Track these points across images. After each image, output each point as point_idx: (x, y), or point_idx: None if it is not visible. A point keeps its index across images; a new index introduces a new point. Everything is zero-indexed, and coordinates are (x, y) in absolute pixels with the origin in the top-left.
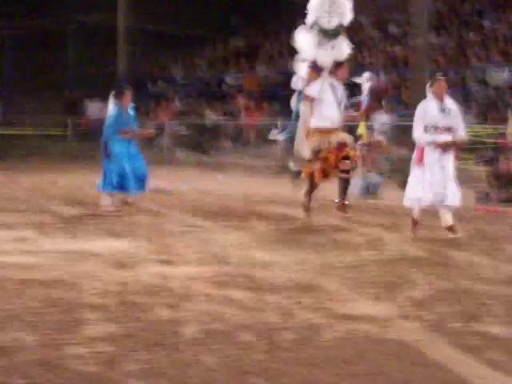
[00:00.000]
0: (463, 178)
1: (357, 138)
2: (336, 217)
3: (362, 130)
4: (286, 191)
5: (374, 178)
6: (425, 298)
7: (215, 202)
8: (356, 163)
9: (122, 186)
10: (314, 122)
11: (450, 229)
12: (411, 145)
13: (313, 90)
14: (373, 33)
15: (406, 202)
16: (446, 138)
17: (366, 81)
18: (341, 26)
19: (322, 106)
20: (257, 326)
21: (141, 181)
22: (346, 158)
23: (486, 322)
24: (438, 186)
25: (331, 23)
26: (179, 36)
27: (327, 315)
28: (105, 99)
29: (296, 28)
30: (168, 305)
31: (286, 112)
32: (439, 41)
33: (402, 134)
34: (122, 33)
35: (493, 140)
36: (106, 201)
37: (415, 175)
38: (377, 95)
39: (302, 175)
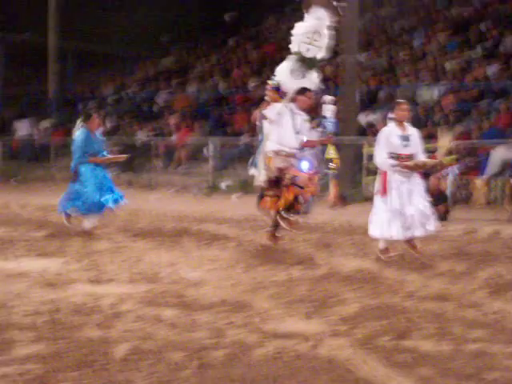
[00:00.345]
0: None
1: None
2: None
3: (333, 154)
4: (217, 209)
5: None
6: (355, 315)
7: (146, 221)
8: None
9: (88, 208)
10: (271, 146)
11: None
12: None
13: (271, 112)
14: None
15: (374, 234)
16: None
17: (328, 103)
18: (318, 58)
19: (280, 130)
20: (187, 344)
21: (112, 194)
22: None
23: (416, 338)
24: (408, 217)
25: (309, 53)
26: (110, 55)
27: (258, 333)
28: (34, 119)
29: (226, 46)
30: (98, 324)
31: (217, 131)
32: (369, 59)
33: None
34: (53, 52)
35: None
36: (88, 223)
37: (381, 208)
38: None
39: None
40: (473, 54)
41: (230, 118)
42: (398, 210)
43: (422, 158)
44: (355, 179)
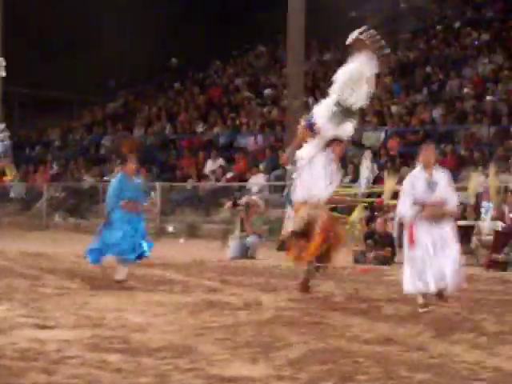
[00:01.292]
0: None
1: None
2: (211, 278)
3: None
4: (164, 254)
5: (250, 238)
6: (300, 358)
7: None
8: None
9: (118, 252)
10: (301, 194)
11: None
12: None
13: (306, 153)
14: (249, 95)
15: (408, 290)
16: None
17: None
18: (358, 108)
19: (312, 177)
20: None
21: (138, 250)
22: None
23: (361, 381)
24: (438, 270)
25: (351, 99)
26: (57, 100)
27: (204, 378)
28: None
29: (173, 91)
30: (43, 369)
31: (164, 175)
32: (315, 102)
33: (278, 195)
34: None
35: (369, 200)
36: (120, 274)
37: (410, 260)
38: (253, 157)
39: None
40: (418, 97)
41: (177, 162)
42: (429, 261)
43: (452, 206)
44: None
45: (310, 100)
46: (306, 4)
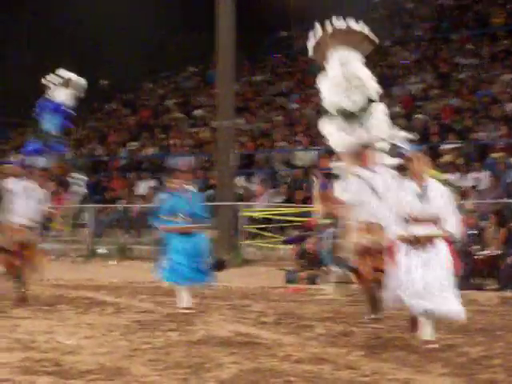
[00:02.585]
0: (271, 258)
1: None
2: (143, 299)
3: None
4: (95, 276)
5: None
6: (232, 378)
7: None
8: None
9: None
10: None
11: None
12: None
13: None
14: (179, 116)
15: (388, 304)
16: (425, 230)
17: None
18: (367, 100)
19: (362, 198)
20: None
21: (200, 272)
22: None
23: None
24: (419, 292)
25: (354, 98)
26: None
27: None
28: None
29: (103, 112)
30: None
31: (94, 197)
32: (245, 123)
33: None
34: None
35: (300, 219)
36: (183, 301)
37: (391, 275)
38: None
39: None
40: None
41: (108, 183)
42: (407, 283)
43: (449, 226)
44: (232, 243)
45: (240, 119)
46: (237, 23)
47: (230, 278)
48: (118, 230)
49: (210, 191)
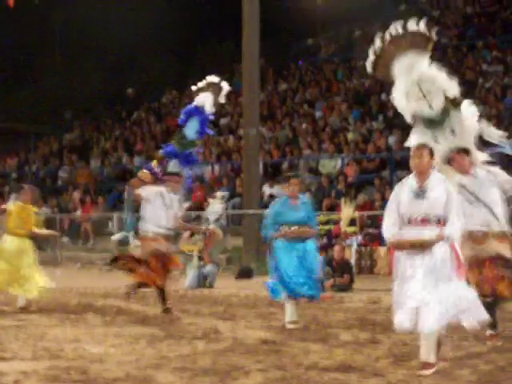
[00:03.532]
0: None
1: None
2: (170, 308)
3: None
4: (122, 284)
5: (208, 267)
6: None
7: (51, 297)
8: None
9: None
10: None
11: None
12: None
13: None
14: None
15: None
16: (421, 233)
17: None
18: (449, 99)
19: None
20: None
21: (308, 286)
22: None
23: None
24: (410, 305)
25: (432, 106)
26: (13, 131)
27: None
28: None
29: (130, 120)
30: None
31: (120, 205)
32: (271, 131)
33: (236, 224)
34: None
35: (327, 227)
36: (288, 313)
37: (394, 291)
38: (210, 185)
39: None
40: (374, 125)
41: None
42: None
43: (448, 229)
44: (259, 251)
45: (266, 128)
46: (262, 31)
47: (257, 286)
48: None
49: (237, 199)
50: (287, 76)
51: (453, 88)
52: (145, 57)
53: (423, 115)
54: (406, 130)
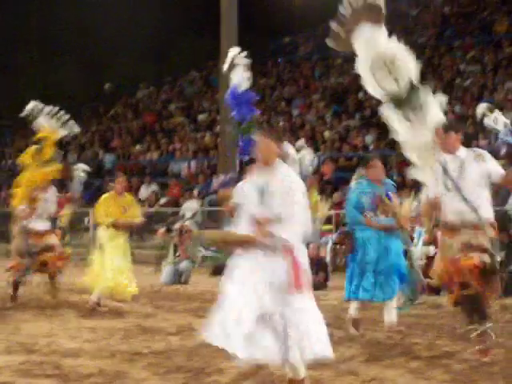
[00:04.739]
0: None
1: None
2: (144, 303)
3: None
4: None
5: (183, 264)
6: (232, 382)
7: (26, 291)
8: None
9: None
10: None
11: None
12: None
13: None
14: (182, 120)
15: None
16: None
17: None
18: (414, 80)
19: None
20: None
21: (388, 286)
22: None
23: None
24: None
25: (400, 83)
26: None
27: None
28: None
29: (106, 116)
30: None
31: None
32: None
33: (212, 221)
34: None
35: None
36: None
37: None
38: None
39: None
40: (351, 123)
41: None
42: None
43: None
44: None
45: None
46: (239, 29)
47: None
48: None
49: (213, 196)
50: (265, 73)
51: (413, 67)
52: (122, 52)
53: (391, 93)
54: (382, 128)
